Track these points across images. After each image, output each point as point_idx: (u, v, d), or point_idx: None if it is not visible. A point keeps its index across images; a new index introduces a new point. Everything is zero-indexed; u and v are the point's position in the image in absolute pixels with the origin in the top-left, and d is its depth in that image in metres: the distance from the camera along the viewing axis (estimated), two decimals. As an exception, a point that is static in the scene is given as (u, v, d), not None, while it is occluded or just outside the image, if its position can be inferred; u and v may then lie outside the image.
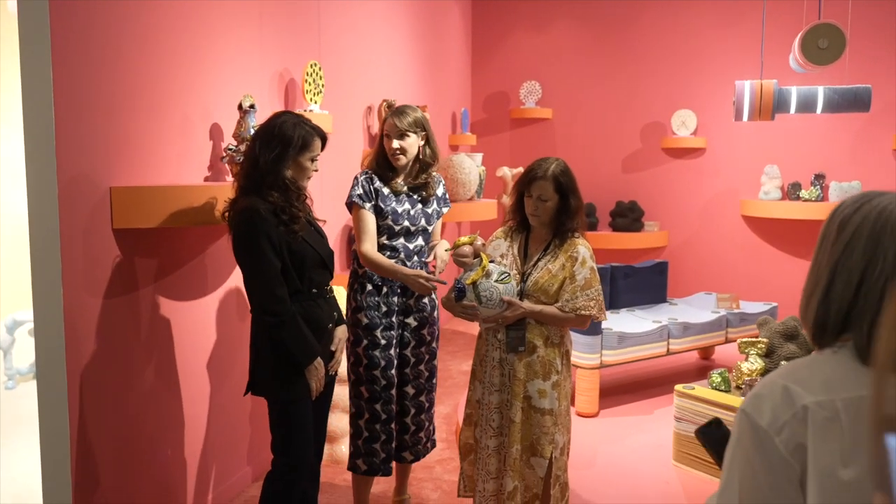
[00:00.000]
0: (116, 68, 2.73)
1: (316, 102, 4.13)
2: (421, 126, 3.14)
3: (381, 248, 3.11)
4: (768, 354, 3.85)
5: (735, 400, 3.57)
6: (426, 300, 3.22)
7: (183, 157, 3.16)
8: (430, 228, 3.21)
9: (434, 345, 3.29)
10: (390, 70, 5.64)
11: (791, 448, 1.14)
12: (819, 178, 6.96)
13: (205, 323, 3.39)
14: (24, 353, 5.04)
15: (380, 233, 3.12)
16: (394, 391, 3.18)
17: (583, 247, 2.84)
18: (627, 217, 7.48)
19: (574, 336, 4.06)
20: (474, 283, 2.76)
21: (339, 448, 4.01)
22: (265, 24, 3.81)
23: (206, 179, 3.34)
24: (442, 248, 3.19)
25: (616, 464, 3.85)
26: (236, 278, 3.61)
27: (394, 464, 3.30)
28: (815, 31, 4.41)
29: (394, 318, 3.15)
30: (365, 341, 3.13)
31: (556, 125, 7.90)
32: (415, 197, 3.18)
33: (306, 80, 4.05)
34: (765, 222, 7.27)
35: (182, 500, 3.24)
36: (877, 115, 6.75)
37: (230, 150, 3.28)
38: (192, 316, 3.29)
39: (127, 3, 2.78)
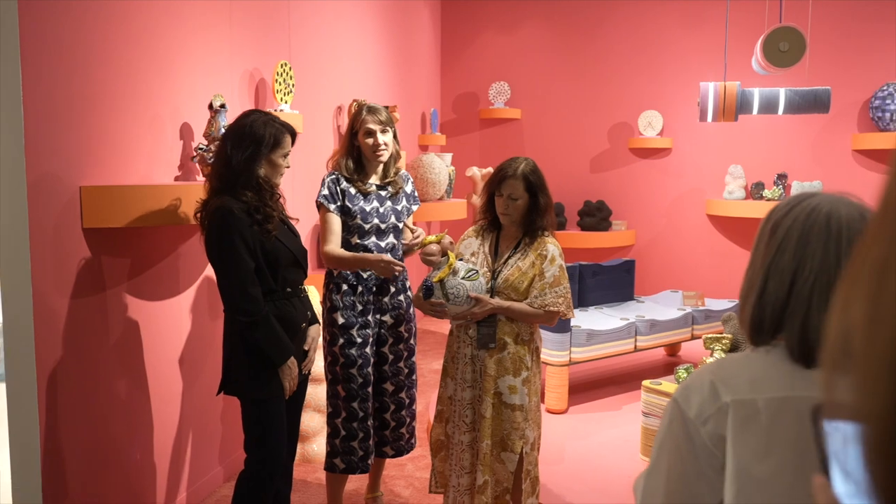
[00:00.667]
0: (86, 67, 2.72)
1: (286, 102, 4.13)
2: (392, 123, 3.19)
3: (354, 247, 3.13)
4: (733, 350, 3.94)
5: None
6: (402, 297, 3.25)
7: (153, 156, 3.15)
8: (400, 225, 3.23)
9: (412, 341, 3.32)
10: (360, 70, 5.65)
11: (715, 439, 1.19)
12: (781, 177, 7.11)
13: (175, 322, 3.38)
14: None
15: (350, 232, 3.13)
16: (370, 389, 3.20)
17: (552, 245, 2.90)
18: (595, 216, 7.56)
19: (543, 333, 4.11)
20: (441, 281, 2.80)
21: (310, 447, 4.02)
22: (235, 24, 3.81)
23: (177, 179, 3.34)
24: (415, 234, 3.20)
25: (585, 459, 3.91)
26: (206, 278, 3.61)
27: (371, 459, 3.31)
28: (777, 35, 4.52)
29: (370, 317, 3.18)
30: (341, 340, 3.14)
31: (525, 125, 7.97)
32: (383, 194, 3.20)
33: (276, 80, 4.05)
34: (729, 221, 7.40)
35: (153, 500, 3.23)
36: (836, 117, 6.91)
37: (201, 149, 3.27)
38: (163, 316, 3.28)
39: (96, 2, 2.77)
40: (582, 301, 5.16)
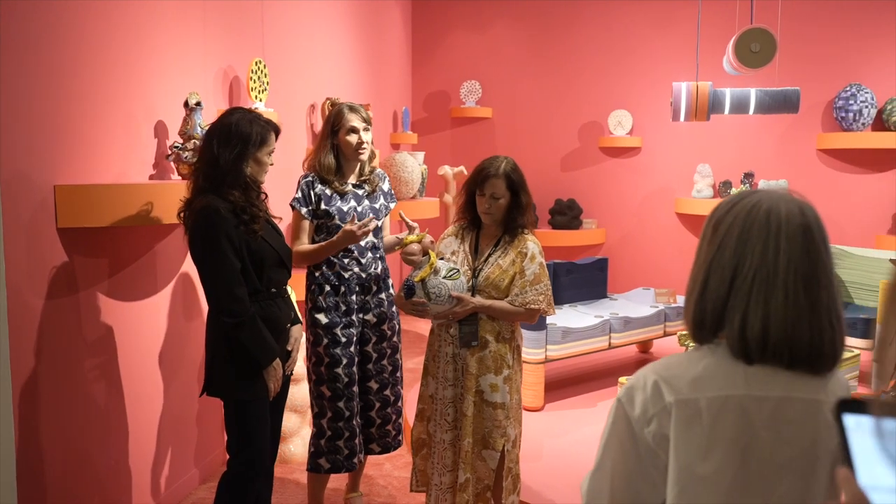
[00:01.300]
0: (60, 65, 2.67)
1: (261, 100, 4.10)
2: (370, 122, 3.19)
3: None
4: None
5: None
6: (384, 295, 3.24)
7: (127, 154, 3.10)
8: (379, 224, 3.22)
9: (395, 339, 3.32)
10: (333, 69, 5.62)
11: (658, 439, 1.21)
12: (748, 176, 7.22)
13: (151, 323, 3.33)
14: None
15: (330, 233, 3.12)
16: (356, 388, 3.19)
17: (532, 243, 2.91)
18: (566, 215, 7.61)
19: (520, 331, 4.13)
20: (423, 281, 2.80)
21: (286, 447, 3.99)
22: (209, 22, 3.76)
23: (151, 177, 3.29)
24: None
25: (563, 456, 3.94)
26: (183, 278, 3.56)
27: (357, 458, 3.28)
28: (748, 36, 4.59)
29: (353, 317, 3.17)
30: (325, 340, 3.13)
31: (497, 124, 7.99)
32: (360, 193, 3.20)
33: (251, 78, 4.01)
34: (698, 219, 7.49)
35: (129, 502, 3.18)
36: (801, 117, 7.04)
37: (176, 147, 3.23)
38: (138, 316, 3.23)
39: (70, 1, 2.72)
40: (556, 299, 5.19)
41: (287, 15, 4.74)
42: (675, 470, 1.19)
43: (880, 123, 7.03)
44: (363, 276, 3.16)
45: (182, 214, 2.63)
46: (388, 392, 3.31)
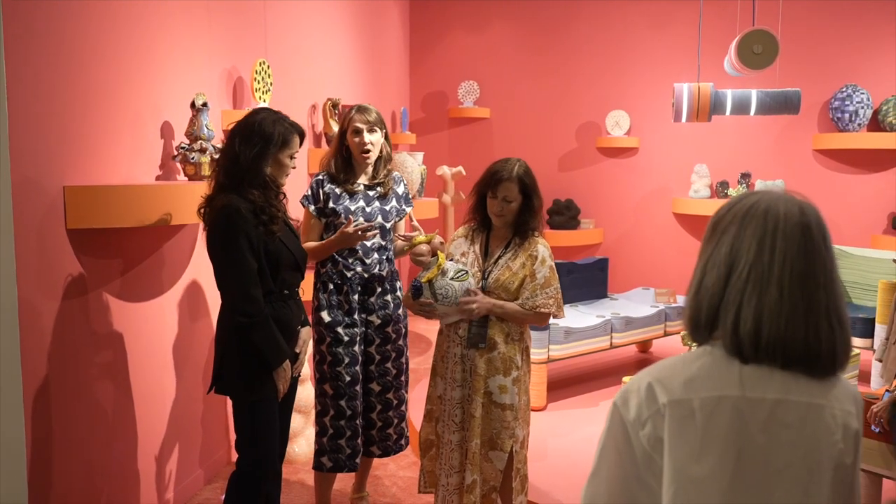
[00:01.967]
0: (67, 67, 2.67)
1: (265, 101, 4.10)
2: (383, 123, 3.17)
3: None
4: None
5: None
6: (389, 297, 3.24)
7: (134, 155, 3.10)
8: (388, 225, 3.22)
9: (401, 342, 3.30)
10: (332, 69, 5.62)
11: (653, 442, 1.19)
12: (745, 176, 7.26)
13: (157, 324, 3.33)
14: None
15: (337, 232, 3.12)
16: (359, 388, 3.19)
17: (542, 246, 2.92)
18: (564, 215, 7.63)
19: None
20: (430, 281, 2.80)
21: (292, 448, 3.99)
22: (214, 23, 3.76)
23: (158, 178, 3.28)
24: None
25: (568, 455, 3.95)
26: (188, 279, 3.56)
27: (359, 458, 3.28)
28: (751, 37, 4.62)
29: (356, 316, 3.16)
30: (328, 339, 3.13)
31: (494, 125, 8.00)
32: (371, 194, 3.19)
33: (255, 79, 4.01)
34: (695, 219, 7.52)
35: (137, 503, 3.18)
36: (797, 118, 7.06)
37: (183, 148, 3.23)
38: (146, 317, 3.22)
39: (79, 3, 2.72)
40: (557, 299, 5.21)
41: (287, 16, 4.74)
42: (669, 471, 1.18)
43: (876, 124, 7.08)
44: (366, 276, 3.16)
45: (202, 211, 2.62)
46: (390, 395, 3.30)
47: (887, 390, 3.05)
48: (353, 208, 3.13)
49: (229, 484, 2.73)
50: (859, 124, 6.96)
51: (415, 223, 3.16)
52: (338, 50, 5.72)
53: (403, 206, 3.28)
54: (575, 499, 3.46)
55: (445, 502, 2.96)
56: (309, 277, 3.33)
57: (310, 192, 3.15)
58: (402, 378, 3.34)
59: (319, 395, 3.21)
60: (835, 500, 1.19)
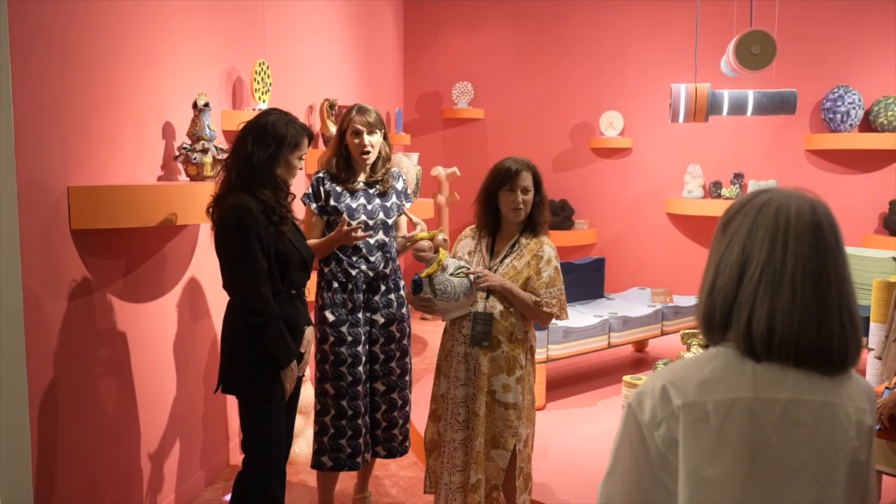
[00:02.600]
0: (71, 68, 2.66)
1: (264, 101, 4.09)
2: (382, 124, 3.19)
3: (343, 245, 3.11)
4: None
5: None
6: (393, 296, 3.24)
7: (137, 155, 3.09)
8: (389, 222, 3.22)
9: (405, 342, 3.30)
10: (329, 70, 5.62)
11: (668, 443, 1.20)
12: (738, 177, 7.30)
13: (160, 325, 3.32)
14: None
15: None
16: (362, 388, 3.18)
17: (548, 246, 2.94)
18: (558, 215, 7.65)
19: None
20: (430, 276, 2.81)
21: (293, 448, 3.98)
22: (214, 23, 3.75)
23: (160, 178, 3.28)
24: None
25: (569, 454, 3.97)
26: (189, 280, 3.55)
27: (361, 457, 3.27)
28: (749, 38, 4.65)
29: (360, 315, 3.16)
30: (331, 338, 3.13)
31: (489, 125, 8.02)
32: (371, 192, 3.20)
33: (255, 79, 4.01)
34: (688, 219, 7.56)
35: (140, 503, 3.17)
36: (790, 118, 7.11)
37: (185, 148, 3.22)
38: (149, 317, 3.22)
39: (83, 3, 2.71)
40: (554, 299, 5.23)
41: (285, 16, 4.74)
42: (684, 472, 1.18)
43: (867, 124, 7.13)
44: (371, 274, 3.16)
45: (211, 210, 2.62)
46: (395, 395, 3.30)
47: (887, 387, 3.07)
48: (354, 206, 3.13)
49: (235, 484, 2.73)
50: (851, 125, 7.02)
51: (415, 220, 3.17)
52: (334, 50, 5.72)
53: (403, 202, 3.30)
54: (576, 497, 3.47)
55: (448, 501, 2.96)
56: (312, 277, 3.33)
57: (310, 191, 3.15)
58: (407, 378, 3.33)
59: (320, 394, 3.20)
60: (850, 498, 1.20)
